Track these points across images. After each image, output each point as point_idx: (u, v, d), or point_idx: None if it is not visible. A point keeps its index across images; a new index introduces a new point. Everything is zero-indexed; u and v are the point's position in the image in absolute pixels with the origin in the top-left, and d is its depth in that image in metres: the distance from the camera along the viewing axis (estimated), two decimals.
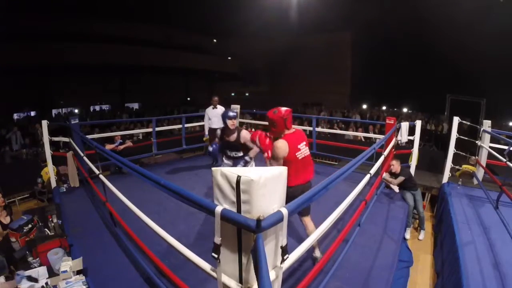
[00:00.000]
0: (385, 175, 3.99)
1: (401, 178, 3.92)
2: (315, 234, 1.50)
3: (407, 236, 3.88)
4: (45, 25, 11.25)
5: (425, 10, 11.30)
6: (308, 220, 2.37)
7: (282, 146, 2.21)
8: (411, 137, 4.45)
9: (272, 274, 1.13)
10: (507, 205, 3.23)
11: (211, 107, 5.08)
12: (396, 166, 3.96)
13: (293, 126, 2.35)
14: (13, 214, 3.16)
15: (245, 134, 3.14)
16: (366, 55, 14.66)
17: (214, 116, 5.02)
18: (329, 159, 6.94)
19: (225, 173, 1.14)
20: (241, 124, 6.38)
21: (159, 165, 5.75)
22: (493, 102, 8.40)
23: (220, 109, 5.09)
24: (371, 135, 7.47)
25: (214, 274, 1.22)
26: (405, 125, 4.40)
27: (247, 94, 20.36)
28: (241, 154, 3.19)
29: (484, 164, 4.39)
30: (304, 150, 2.32)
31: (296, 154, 2.26)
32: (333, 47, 16.33)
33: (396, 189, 4.05)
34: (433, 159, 6.00)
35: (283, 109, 2.28)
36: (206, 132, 5.15)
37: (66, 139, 4.48)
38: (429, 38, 11.97)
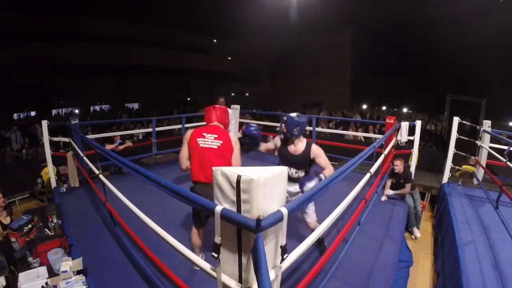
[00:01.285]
0: (389, 191, 3.94)
1: (409, 185, 3.89)
2: (316, 233, 1.49)
3: (418, 235, 3.90)
4: (45, 25, 11.25)
5: (425, 10, 11.30)
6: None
7: (187, 132, 2.24)
8: (411, 137, 4.44)
9: (271, 274, 1.13)
10: (507, 205, 3.23)
11: None
12: (400, 166, 3.93)
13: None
14: (13, 214, 3.16)
15: (317, 149, 2.49)
16: (366, 55, 14.67)
17: None
18: (329, 159, 6.94)
19: (225, 173, 1.14)
20: (241, 124, 6.35)
21: (159, 165, 5.75)
22: (493, 102, 8.40)
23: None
24: (371, 135, 7.47)
25: (214, 273, 1.22)
26: (405, 125, 4.40)
27: (247, 94, 20.38)
28: (303, 174, 2.51)
29: (484, 164, 4.40)
30: (210, 140, 2.14)
31: (198, 140, 2.15)
32: (333, 47, 16.33)
33: (390, 192, 4.00)
34: (433, 159, 6.00)
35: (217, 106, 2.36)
36: None
37: (66, 139, 4.48)
38: (429, 38, 11.99)
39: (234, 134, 2.45)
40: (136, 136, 7.97)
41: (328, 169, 2.42)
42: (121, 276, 2.34)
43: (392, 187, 4.04)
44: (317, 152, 2.46)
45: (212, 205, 1.12)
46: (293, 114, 2.43)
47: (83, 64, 12.49)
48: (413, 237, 3.91)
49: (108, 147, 5.06)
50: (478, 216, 3.58)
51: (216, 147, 2.14)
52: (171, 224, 3.11)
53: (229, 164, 2.15)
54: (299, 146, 2.46)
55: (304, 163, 2.48)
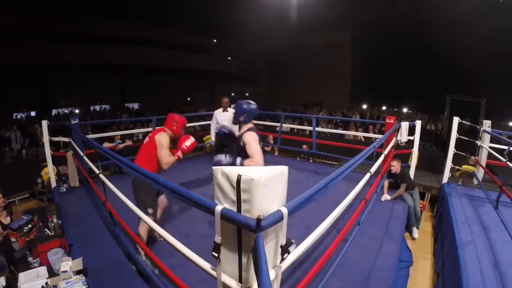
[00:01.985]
0: (387, 196, 3.92)
1: (404, 186, 3.88)
2: (316, 232, 1.49)
3: (416, 235, 3.90)
4: (45, 25, 11.26)
5: (425, 10, 11.30)
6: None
7: None
8: (411, 137, 4.45)
9: (272, 274, 1.13)
10: (507, 205, 3.23)
11: (220, 109, 4.58)
12: (396, 166, 3.94)
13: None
14: (13, 214, 3.16)
15: (248, 137, 2.34)
16: (366, 55, 14.68)
17: (223, 120, 4.47)
18: (329, 159, 6.95)
19: (225, 172, 1.14)
20: None
21: None
22: (493, 102, 8.41)
23: (232, 112, 4.59)
24: (371, 135, 7.48)
25: (214, 273, 1.22)
26: (405, 125, 4.40)
27: (247, 94, 20.38)
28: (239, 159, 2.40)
29: (484, 164, 4.40)
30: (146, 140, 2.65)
31: None
32: (333, 47, 16.34)
33: (388, 197, 3.95)
34: (433, 159, 6.00)
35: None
36: (212, 138, 4.63)
37: (66, 139, 4.48)
38: (429, 38, 11.99)
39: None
40: (136, 136, 7.97)
41: (251, 159, 2.28)
42: (121, 276, 2.34)
43: (391, 187, 4.05)
44: (247, 139, 2.34)
45: (212, 205, 1.12)
46: (244, 101, 2.44)
47: (83, 64, 12.50)
48: (411, 237, 3.92)
49: (107, 145, 5.05)
50: (478, 216, 3.58)
51: (143, 143, 2.63)
52: (171, 223, 3.11)
53: (147, 157, 2.53)
54: (241, 130, 2.46)
55: (239, 146, 2.40)
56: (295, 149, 6.50)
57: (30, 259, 2.34)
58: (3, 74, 10.19)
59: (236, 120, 2.47)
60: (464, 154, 4.63)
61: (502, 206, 3.17)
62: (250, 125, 2.45)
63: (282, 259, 1.16)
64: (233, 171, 1.12)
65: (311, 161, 6.82)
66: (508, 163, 3.15)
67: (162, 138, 2.53)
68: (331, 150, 5.48)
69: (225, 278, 1.18)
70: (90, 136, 4.71)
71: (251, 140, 2.32)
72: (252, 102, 2.47)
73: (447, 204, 3.91)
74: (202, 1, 12.51)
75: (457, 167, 4.59)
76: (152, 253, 2.16)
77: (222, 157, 2.38)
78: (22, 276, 2.16)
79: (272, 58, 18.13)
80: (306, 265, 2.36)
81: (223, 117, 4.56)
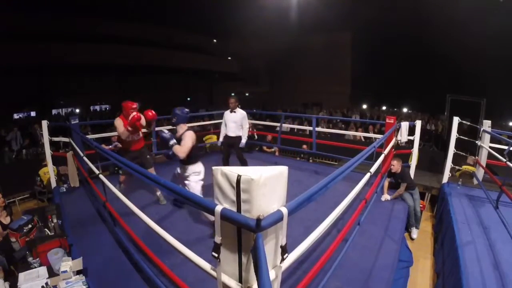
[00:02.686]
0: (387, 196, 3.92)
1: (404, 186, 3.87)
2: (317, 232, 1.49)
3: (414, 236, 3.89)
4: (45, 25, 11.26)
5: (425, 10, 11.30)
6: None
7: None
8: (411, 137, 4.44)
9: (272, 274, 1.13)
10: (507, 205, 3.23)
11: (228, 110, 4.44)
12: (396, 166, 3.94)
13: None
14: (13, 214, 3.16)
15: (186, 135, 2.89)
16: (366, 55, 14.66)
17: (231, 121, 4.36)
18: (329, 159, 6.95)
19: (225, 172, 1.14)
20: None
21: (159, 165, 5.74)
22: (493, 102, 8.41)
23: (240, 113, 4.40)
24: (371, 135, 7.48)
25: (214, 273, 1.22)
26: (405, 125, 4.39)
27: (247, 94, 20.37)
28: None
29: (484, 164, 4.40)
30: None
31: None
32: (333, 47, 16.32)
33: (388, 197, 3.94)
34: (433, 159, 6.00)
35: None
36: (221, 139, 4.54)
37: (66, 139, 4.48)
38: (429, 38, 11.99)
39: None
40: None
41: (179, 147, 2.83)
42: (121, 276, 2.34)
43: (391, 187, 4.05)
44: (184, 136, 2.90)
45: (212, 205, 1.12)
46: (178, 108, 2.99)
47: (83, 64, 12.50)
48: (410, 237, 3.91)
49: (104, 147, 5.04)
50: (478, 216, 3.58)
51: None
52: (171, 223, 3.11)
53: None
54: (180, 132, 2.99)
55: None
56: (295, 149, 6.50)
57: (30, 259, 2.34)
58: (3, 74, 10.18)
59: (171, 122, 3.03)
60: (464, 154, 4.63)
61: (502, 206, 3.17)
62: (186, 127, 3.00)
63: (282, 259, 1.16)
64: (233, 171, 1.12)
65: (311, 161, 6.82)
66: (508, 163, 3.15)
67: (115, 123, 3.58)
68: (331, 150, 5.47)
69: (225, 278, 1.18)
70: (90, 136, 4.71)
71: (188, 138, 2.88)
72: (184, 108, 3.04)
73: (447, 204, 3.90)
74: (202, 1, 12.52)
75: (457, 167, 4.59)
76: (153, 254, 2.16)
77: (167, 134, 2.86)
78: (22, 276, 2.16)
79: (272, 58, 18.11)
80: (306, 265, 2.36)
81: (230, 118, 4.40)
